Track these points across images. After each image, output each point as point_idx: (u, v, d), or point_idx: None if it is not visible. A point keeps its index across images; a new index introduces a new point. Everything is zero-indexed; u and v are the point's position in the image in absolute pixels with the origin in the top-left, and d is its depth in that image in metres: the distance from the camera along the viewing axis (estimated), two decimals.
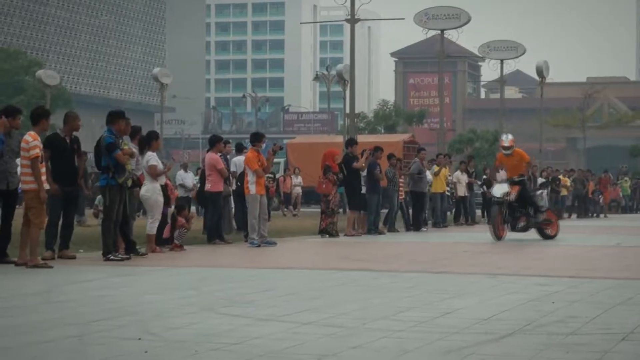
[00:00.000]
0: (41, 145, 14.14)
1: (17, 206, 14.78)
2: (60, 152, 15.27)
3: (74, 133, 15.65)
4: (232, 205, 22.22)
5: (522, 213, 22.56)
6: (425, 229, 27.36)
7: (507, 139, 23.04)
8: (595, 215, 44.48)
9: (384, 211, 26.45)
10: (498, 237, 21.94)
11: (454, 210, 32.96)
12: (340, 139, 51.16)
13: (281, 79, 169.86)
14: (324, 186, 23.19)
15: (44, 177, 14.17)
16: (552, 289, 11.44)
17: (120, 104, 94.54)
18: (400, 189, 26.83)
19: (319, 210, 24.33)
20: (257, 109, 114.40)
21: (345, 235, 23.51)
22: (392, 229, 26.11)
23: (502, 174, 22.86)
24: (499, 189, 22.40)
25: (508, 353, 7.16)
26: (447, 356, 6.97)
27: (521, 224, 22.67)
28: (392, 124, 77.96)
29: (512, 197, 22.15)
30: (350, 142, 24.88)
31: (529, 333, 8.07)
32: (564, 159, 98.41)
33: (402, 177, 27.35)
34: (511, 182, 22.37)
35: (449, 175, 31.42)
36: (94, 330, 7.95)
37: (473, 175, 33.04)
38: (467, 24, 51.37)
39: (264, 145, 20.20)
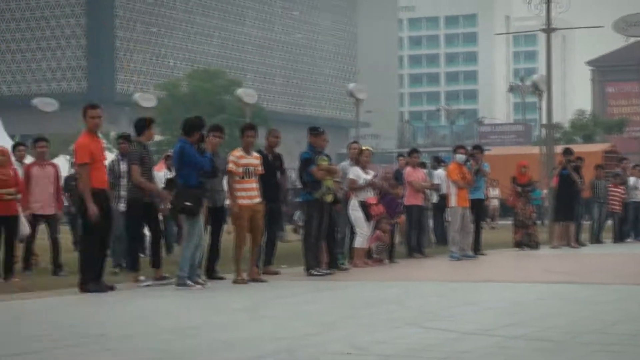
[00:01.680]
0: (241, 161, 14.32)
1: (224, 224, 15.08)
2: (263, 169, 15.49)
3: (276, 150, 15.89)
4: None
5: None
6: (630, 240, 26.47)
7: None
8: None
9: (587, 223, 25.84)
10: None
11: None
12: (536, 150, 50.34)
13: (475, 90, 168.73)
14: (511, 199, 23.01)
15: (245, 193, 14.37)
16: None
17: (315, 121, 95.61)
18: (613, 199, 25.82)
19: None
20: (451, 122, 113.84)
21: (551, 247, 23.09)
22: (595, 240, 25.43)
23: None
24: None
25: None
26: None
27: None
28: (589, 134, 76.33)
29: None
30: (565, 152, 24.36)
31: None
32: None
33: (617, 187, 26.07)
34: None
35: None
36: (303, 345, 8.07)
37: None
38: None
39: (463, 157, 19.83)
